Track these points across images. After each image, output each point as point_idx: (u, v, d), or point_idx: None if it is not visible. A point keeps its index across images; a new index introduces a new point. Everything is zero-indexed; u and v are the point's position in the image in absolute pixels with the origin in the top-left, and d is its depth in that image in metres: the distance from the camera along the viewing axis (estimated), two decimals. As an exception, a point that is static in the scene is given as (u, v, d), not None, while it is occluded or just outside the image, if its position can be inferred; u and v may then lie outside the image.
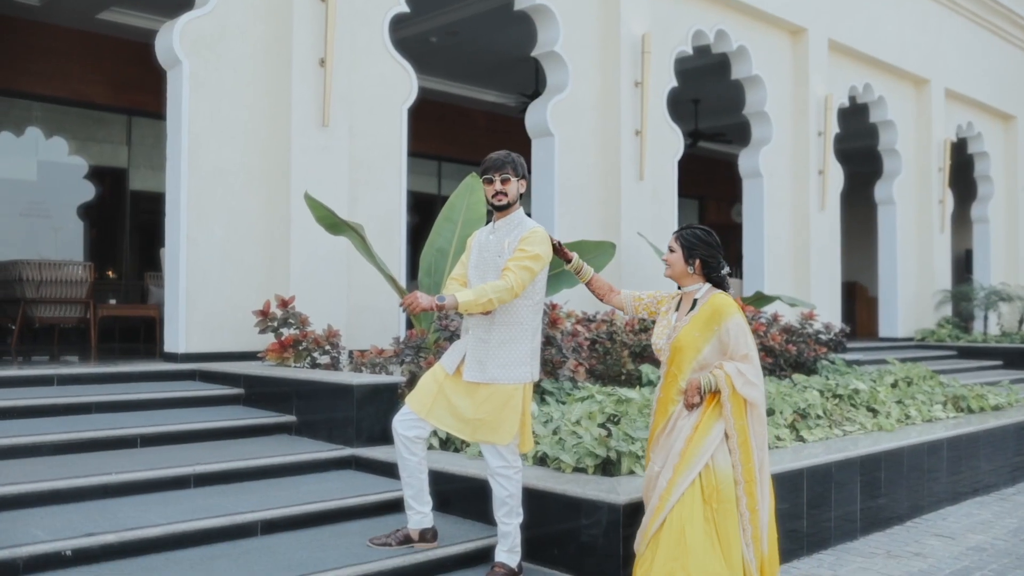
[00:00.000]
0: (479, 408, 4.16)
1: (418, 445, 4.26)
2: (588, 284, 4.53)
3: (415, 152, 15.17)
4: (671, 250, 4.23)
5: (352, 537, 4.57)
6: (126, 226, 13.44)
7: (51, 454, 5.22)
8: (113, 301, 11.72)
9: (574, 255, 4.48)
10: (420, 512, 4.43)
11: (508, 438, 4.17)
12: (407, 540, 4.44)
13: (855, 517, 5.81)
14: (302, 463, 5.52)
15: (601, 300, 4.56)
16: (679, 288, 4.28)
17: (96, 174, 13.18)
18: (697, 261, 4.14)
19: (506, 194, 4.22)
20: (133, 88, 12.42)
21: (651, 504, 4.04)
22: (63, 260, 10.18)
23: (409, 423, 4.24)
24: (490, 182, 4.24)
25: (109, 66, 12.39)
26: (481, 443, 4.22)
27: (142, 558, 4.08)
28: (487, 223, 4.60)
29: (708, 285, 4.16)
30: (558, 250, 4.41)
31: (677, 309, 4.22)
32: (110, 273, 13.77)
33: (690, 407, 3.99)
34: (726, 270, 4.18)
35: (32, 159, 12.74)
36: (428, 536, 4.46)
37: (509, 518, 4.29)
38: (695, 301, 4.15)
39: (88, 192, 13.26)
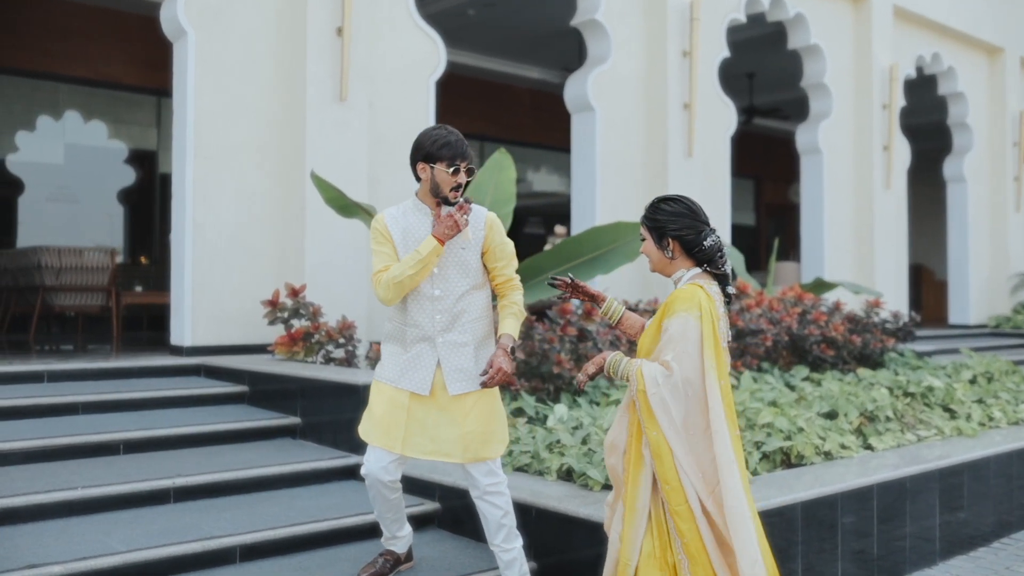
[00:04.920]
0: (466, 420, 3.50)
1: (399, 481, 3.64)
2: (618, 325, 3.55)
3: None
4: (642, 239, 3.29)
5: (344, 565, 3.96)
6: (157, 211, 13.01)
7: (21, 463, 4.69)
8: (139, 288, 11.30)
9: (607, 297, 3.55)
10: (406, 534, 3.87)
11: (501, 449, 3.57)
12: (398, 563, 3.88)
13: (933, 536, 5.06)
14: (300, 473, 4.91)
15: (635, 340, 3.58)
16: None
17: (126, 157, 12.77)
18: (671, 241, 3.19)
19: (463, 187, 3.52)
20: (162, 67, 11.87)
21: (611, 555, 3.26)
22: (83, 246, 9.76)
23: (391, 468, 3.54)
24: (456, 172, 3.45)
25: (136, 45, 11.87)
26: (469, 463, 3.54)
27: (90, 595, 3.52)
28: (401, 206, 3.68)
29: (696, 270, 3.22)
30: (575, 288, 3.53)
31: None
32: (143, 260, 13.40)
33: (581, 382, 3.21)
34: (711, 240, 3.18)
35: (59, 143, 12.36)
36: (412, 552, 3.97)
37: (510, 542, 3.65)
38: None
39: (118, 176, 12.86)
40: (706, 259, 3.20)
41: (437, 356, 3.51)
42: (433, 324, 3.51)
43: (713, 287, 3.19)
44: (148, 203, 13.02)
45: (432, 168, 3.47)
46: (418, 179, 3.55)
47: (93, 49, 11.59)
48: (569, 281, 3.50)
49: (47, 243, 9.98)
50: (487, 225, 3.59)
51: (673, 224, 3.18)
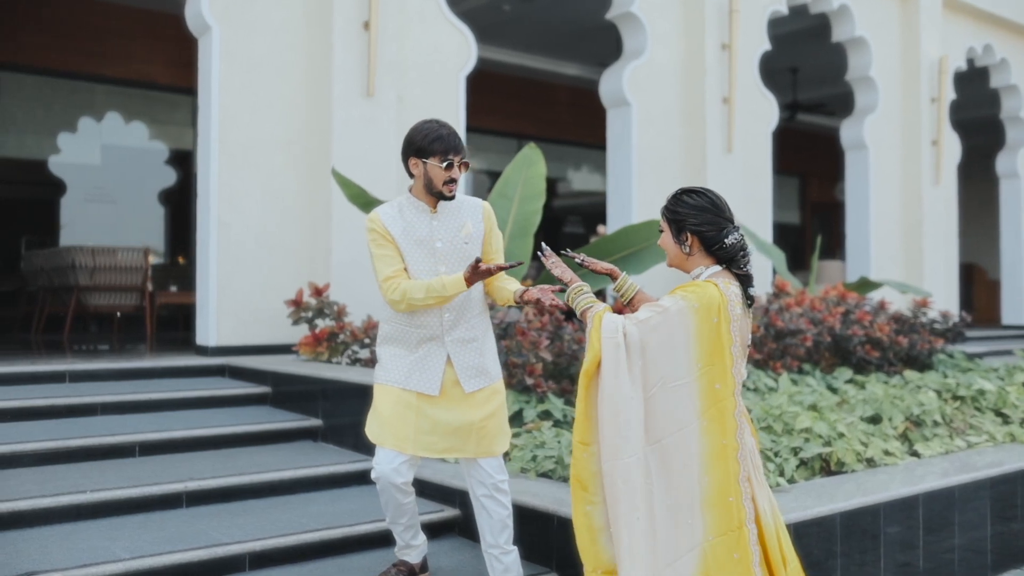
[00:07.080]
0: (480, 416, 3.43)
1: (411, 484, 3.50)
2: (631, 304, 3.28)
3: (492, 130, 14.48)
4: (660, 231, 3.12)
5: (355, 575, 3.79)
6: (193, 210, 13.00)
7: (32, 465, 4.58)
8: (174, 288, 11.28)
9: (621, 274, 3.32)
10: (420, 543, 3.72)
11: (508, 443, 3.51)
12: (412, 574, 3.72)
13: (984, 548, 4.77)
14: (318, 477, 4.76)
15: None
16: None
17: (163, 157, 12.79)
18: (690, 236, 2.97)
19: (457, 182, 3.38)
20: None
21: None
22: (117, 246, 9.74)
23: (402, 469, 3.40)
24: (449, 166, 3.31)
25: (172, 45, 11.85)
26: (481, 458, 3.45)
27: (88, 604, 3.38)
28: (403, 206, 3.49)
29: (716, 268, 3.00)
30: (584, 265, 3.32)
31: None
32: (180, 259, 13.41)
33: (547, 255, 3.22)
34: (733, 238, 2.93)
35: (96, 143, 12.41)
36: (427, 562, 3.80)
37: (511, 543, 3.54)
38: None
39: (157, 176, 12.89)
40: (727, 258, 2.97)
41: (446, 354, 3.41)
42: (441, 323, 3.41)
43: (732, 287, 2.95)
44: (186, 203, 13.02)
45: (425, 164, 3.34)
46: (411, 175, 3.41)
47: (130, 49, 11.59)
48: (580, 260, 3.27)
49: (87, 243, 9.99)
50: (485, 216, 3.49)
51: (694, 218, 2.96)
